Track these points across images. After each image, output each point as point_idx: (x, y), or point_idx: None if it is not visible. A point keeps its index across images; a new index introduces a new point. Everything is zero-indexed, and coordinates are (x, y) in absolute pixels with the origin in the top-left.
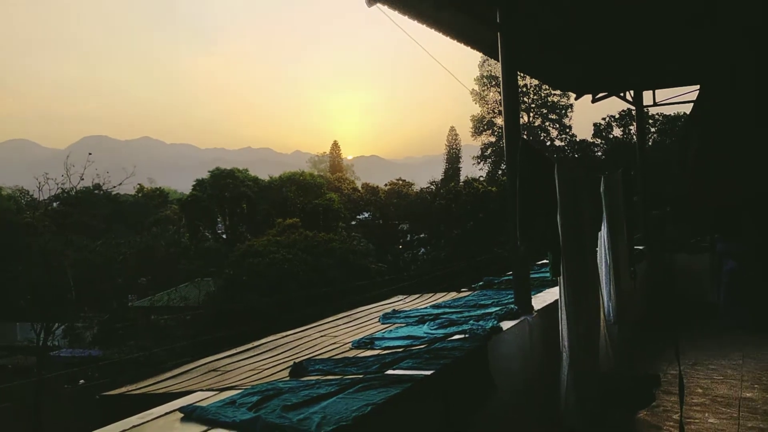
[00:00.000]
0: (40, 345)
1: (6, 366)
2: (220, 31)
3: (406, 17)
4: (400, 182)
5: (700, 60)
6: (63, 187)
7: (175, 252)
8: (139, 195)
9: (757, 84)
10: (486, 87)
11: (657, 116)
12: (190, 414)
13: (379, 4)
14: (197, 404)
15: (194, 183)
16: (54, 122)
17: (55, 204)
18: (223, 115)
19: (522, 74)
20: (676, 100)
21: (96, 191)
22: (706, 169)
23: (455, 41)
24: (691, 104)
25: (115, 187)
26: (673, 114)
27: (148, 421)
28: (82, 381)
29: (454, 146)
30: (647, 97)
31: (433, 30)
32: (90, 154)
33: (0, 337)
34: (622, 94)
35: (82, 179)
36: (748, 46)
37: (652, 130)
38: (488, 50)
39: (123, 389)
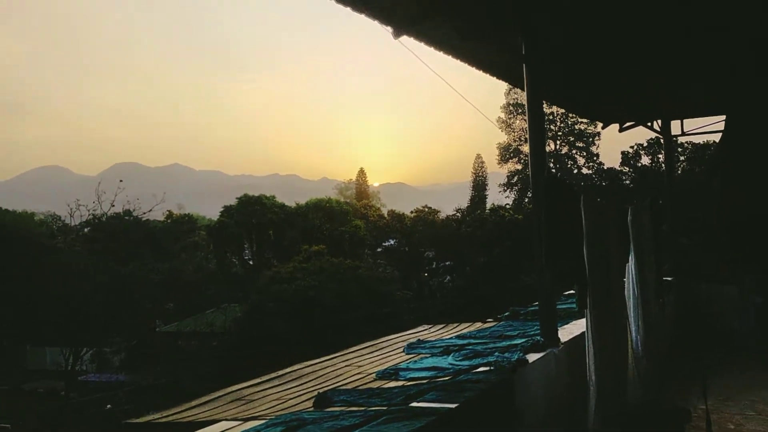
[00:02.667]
0: (68, 369)
1: (37, 390)
2: (250, 59)
3: (432, 48)
4: (426, 209)
5: (724, 90)
6: (94, 213)
7: (202, 278)
8: (168, 221)
9: None
10: (512, 115)
11: (686, 144)
12: None
13: (405, 36)
14: None
15: (222, 209)
16: (86, 149)
17: (86, 229)
18: (251, 141)
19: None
20: (704, 129)
21: (126, 217)
22: (732, 196)
23: (480, 71)
24: (719, 134)
25: (145, 213)
26: (702, 143)
27: None
28: (109, 406)
29: (480, 174)
30: (675, 126)
31: (458, 60)
32: (121, 180)
33: (30, 361)
34: (649, 124)
35: (113, 205)
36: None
37: (681, 158)
38: (514, 80)
39: (148, 417)
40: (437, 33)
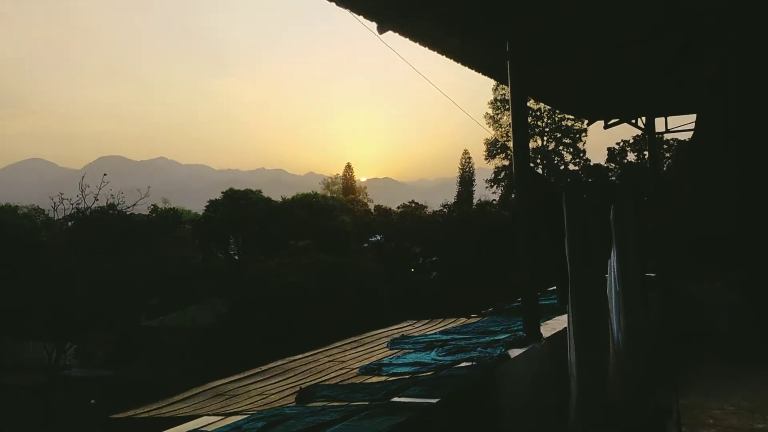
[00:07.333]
0: (52, 364)
1: (19, 385)
2: (235, 55)
3: (417, 44)
4: (413, 205)
5: (699, 91)
6: (78, 206)
7: (186, 272)
8: (153, 215)
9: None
10: (500, 110)
11: (672, 141)
12: None
13: (390, 32)
14: (203, 429)
15: (207, 204)
16: (70, 142)
17: (69, 224)
18: (237, 136)
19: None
20: (687, 127)
21: (110, 211)
22: (694, 205)
23: (466, 67)
24: None
25: (129, 207)
26: (687, 140)
27: None
28: (93, 401)
29: (467, 169)
30: (659, 123)
31: (444, 56)
32: (105, 174)
33: (12, 355)
34: (633, 121)
35: (97, 199)
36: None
37: (667, 155)
38: (499, 77)
39: (131, 412)
40: (422, 28)
